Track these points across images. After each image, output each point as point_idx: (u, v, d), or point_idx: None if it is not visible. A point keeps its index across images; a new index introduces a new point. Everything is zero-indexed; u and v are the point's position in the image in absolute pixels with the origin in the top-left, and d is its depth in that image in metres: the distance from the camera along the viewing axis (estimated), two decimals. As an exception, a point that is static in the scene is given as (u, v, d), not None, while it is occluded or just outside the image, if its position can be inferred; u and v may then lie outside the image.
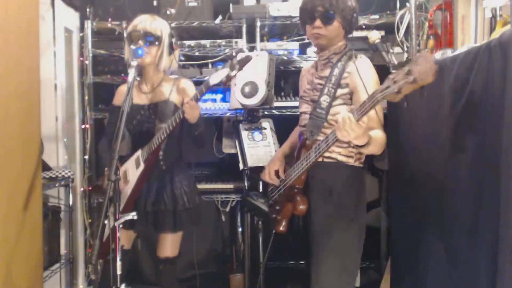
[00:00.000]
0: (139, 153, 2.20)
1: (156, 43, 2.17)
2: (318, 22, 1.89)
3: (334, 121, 1.85)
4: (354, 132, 1.55)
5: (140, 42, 2.14)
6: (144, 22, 2.18)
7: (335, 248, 1.89)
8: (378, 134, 1.77)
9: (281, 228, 1.97)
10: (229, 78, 2.01)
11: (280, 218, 1.98)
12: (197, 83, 2.41)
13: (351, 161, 1.93)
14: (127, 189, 2.18)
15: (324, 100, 1.90)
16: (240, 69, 2.00)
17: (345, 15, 1.89)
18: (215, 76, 2.01)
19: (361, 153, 1.94)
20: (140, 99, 2.28)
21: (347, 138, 1.58)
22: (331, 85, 1.89)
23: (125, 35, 2.27)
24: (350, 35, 2.00)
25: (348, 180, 1.93)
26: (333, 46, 1.95)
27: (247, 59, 2.01)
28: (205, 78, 2.99)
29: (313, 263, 1.92)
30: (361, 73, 1.83)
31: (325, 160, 1.92)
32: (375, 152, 1.80)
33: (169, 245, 2.31)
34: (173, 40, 2.24)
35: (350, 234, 1.92)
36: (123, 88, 2.37)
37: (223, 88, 3.06)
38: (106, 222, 1.67)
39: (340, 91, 1.89)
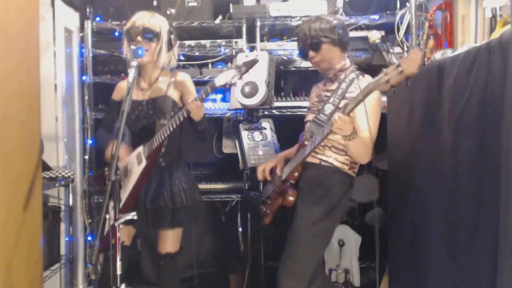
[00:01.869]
0: (140, 149, 2.19)
1: (155, 39, 2.18)
2: (311, 53, 2.11)
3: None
4: (347, 125, 1.78)
5: (139, 38, 2.15)
6: (143, 18, 2.18)
7: (310, 232, 2.05)
8: (365, 137, 1.94)
9: (268, 220, 2.16)
10: (234, 80, 2.05)
11: (268, 212, 2.17)
12: (197, 83, 2.41)
13: (345, 168, 2.12)
14: (129, 185, 2.18)
15: (328, 107, 2.08)
16: (246, 71, 2.05)
17: (329, 36, 2.06)
18: (221, 78, 2.03)
19: (355, 163, 2.13)
20: (138, 95, 2.28)
21: (339, 131, 1.80)
22: (337, 96, 2.07)
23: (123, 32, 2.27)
24: (348, 52, 2.17)
25: (336, 180, 2.10)
26: (336, 66, 2.12)
27: (253, 62, 2.06)
28: (205, 78, 3.03)
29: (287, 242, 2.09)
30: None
31: (322, 163, 2.11)
32: (358, 156, 2.00)
33: (170, 240, 2.32)
34: (172, 36, 2.24)
35: (324, 225, 2.08)
36: (122, 84, 2.38)
37: (223, 88, 3.06)
38: (107, 216, 1.67)
39: (344, 102, 2.01)
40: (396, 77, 1.57)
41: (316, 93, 2.26)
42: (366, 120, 1.94)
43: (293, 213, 2.11)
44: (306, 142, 2.05)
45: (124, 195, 2.15)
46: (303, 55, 2.18)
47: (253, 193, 2.41)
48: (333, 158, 2.10)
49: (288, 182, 2.11)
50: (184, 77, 2.30)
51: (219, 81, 2.02)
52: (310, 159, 2.11)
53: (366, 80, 2.03)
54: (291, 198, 2.07)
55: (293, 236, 2.07)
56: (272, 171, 2.25)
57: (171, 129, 2.08)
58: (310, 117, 2.20)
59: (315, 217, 2.05)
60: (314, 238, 2.06)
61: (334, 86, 2.13)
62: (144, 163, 2.15)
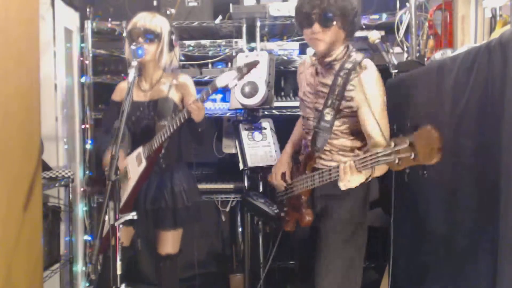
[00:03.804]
0: (140, 150, 2.20)
1: (156, 40, 2.18)
2: (316, 27, 1.77)
3: (337, 141, 1.88)
4: (355, 181, 1.62)
5: (140, 39, 2.15)
6: (144, 19, 2.19)
7: (340, 252, 1.89)
8: (381, 146, 1.72)
9: (289, 228, 2.03)
10: (235, 83, 2.03)
11: (288, 219, 2.03)
12: (197, 83, 2.41)
13: None
14: (128, 186, 2.18)
15: (328, 112, 1.82)
16: (247, 72, 2.02)
17: (345, 17, 1.77)
18: (223, 78, 2.02)
19: None
20: (140, 96, 2.29)
21: (348, 186, 1.65)
22: (334, 96, 1.80)
23: (125, 33, 2.28)
24: (351, 39, 1.89)
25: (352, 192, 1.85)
26: (334, 52, 1.84)
27: (254, 63, 2.03)
28: (205, 78, 3.03)
29: (317, 268, 1.91)
30: (366, 89, 1.75)
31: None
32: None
33: (170, 242, 2.32)
34: (173, 37, 2.25)
35: (355, 239, 1.93)
36: (123, 85, 2.38)
37: (223, 88, 3.06)
38: (106, 218, 1.68)
39: (344, 104, 1.82)
40: (409, 162, 1.36)
41: (307, 81, 1.97)
42: (375, 122, 1.73)
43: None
44: (317, 154, 1.87)
45: (124, 196, 2.15)
46: (302, 22, 1.84)
47: (253, 193, 2.40)
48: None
49: (301, 198, 1.92)
50: (185, 79, 2.31)
51: (220, 82, 2.02)
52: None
53: (368, 73, 1.78)
54: (308, 219, 1.89)
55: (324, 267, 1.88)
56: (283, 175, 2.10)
57: (171, 130, 2.08)
58: (306, 112, 1.97)
59: (338, 240, 1.89)
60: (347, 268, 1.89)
61: (329, 80, 1.84)
62: (144, 164, 2.15)
